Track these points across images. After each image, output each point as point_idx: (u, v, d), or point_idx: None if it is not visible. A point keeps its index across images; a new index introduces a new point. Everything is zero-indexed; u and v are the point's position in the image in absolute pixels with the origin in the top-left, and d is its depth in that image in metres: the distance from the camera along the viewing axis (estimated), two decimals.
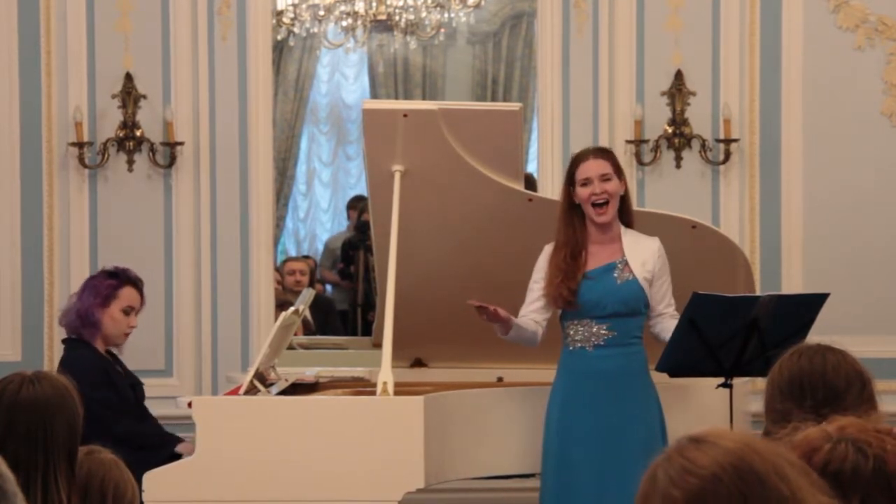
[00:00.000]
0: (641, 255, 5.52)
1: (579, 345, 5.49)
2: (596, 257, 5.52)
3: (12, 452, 2.93)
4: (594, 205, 5.48)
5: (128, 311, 5.94)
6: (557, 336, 5.60)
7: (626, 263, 5.51)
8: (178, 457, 5.51)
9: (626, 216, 5.60)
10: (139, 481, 5.08)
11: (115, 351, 6.02)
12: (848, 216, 7.82)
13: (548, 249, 5.55)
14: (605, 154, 5.64)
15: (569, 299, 5.43)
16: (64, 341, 6.09)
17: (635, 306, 5.50)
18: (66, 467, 3.06)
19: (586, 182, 5.48)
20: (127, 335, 5.98)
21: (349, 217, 12.21)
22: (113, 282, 5.95)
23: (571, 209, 5.54)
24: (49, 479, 3.03)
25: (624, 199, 5.57)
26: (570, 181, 5.55)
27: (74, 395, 3.15)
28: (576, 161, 5.59)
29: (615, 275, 5.50)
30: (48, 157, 7.87)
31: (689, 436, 1.98)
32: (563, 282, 5.43)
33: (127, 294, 5.95)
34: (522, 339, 5.51)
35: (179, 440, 5.80)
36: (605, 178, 5.49)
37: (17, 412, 3.09)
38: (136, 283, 6.01)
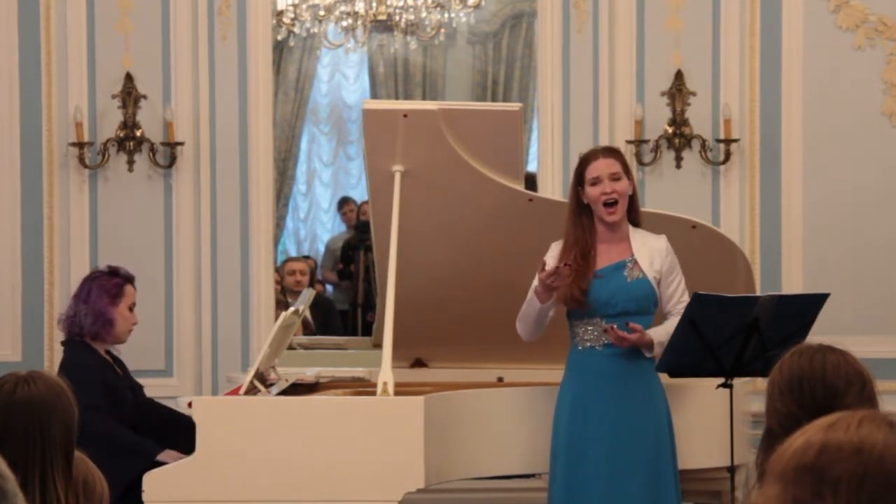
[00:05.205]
0: (649, 254, 5.51)
1: (589, 344, 5.47)
2: (605, 256, 5.50)
3: (9, 452, 2.92)
4: (605, 204, 5.46)
5: (131, 308, 5.97)
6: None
7: (635, 262, 5.49)
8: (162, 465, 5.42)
9: (634, 215, 5.58)
10: (130, 487, 5.12)
11: (114, 352, 6.02)
12: (848, 216, 7.81)
13: (554, 248, 5.54)
14: (614, 153, 5.62)
15: (580, 299, 5.42)
16: (63, 343, 6.08)
17: (645, 304, 5.48)
18: (64, 466, 3.05)
19: (596, 181, 5.46)
20: (130, 332, 6.01)
21: (342, 220, 12.28)
22: (118, 280, 5.97)
23: (580, 209, 5.53)
24: (47, 478, 3.02)
25: (632, 199, 5.55)
26: (578, 181, 5.53)
27: (69, 394, 3.14)
28: (585, 160, 5.56)
29: (625, 273, 5.48)
30: (48, 157, 7.86)
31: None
32: (574, 281, 5.41)
33: (129, 291, 6.00)
34: (539, 321, 5.48)
35: (162, 450, 5.66)
36: (614, 178, 5.47)
37: (12, 412, 3.09)
38: (133, 281, 6.05)
